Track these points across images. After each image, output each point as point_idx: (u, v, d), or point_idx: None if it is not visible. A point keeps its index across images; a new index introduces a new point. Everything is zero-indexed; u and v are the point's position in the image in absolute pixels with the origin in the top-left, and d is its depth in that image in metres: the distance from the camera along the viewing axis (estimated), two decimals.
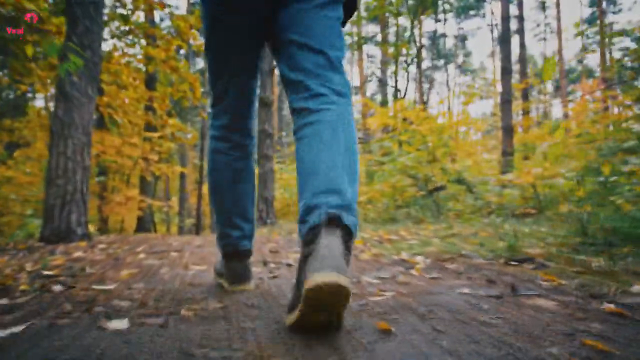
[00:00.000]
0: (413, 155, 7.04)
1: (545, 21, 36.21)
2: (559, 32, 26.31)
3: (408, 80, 13.35)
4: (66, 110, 4.08)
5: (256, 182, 1.51)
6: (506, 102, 12.11)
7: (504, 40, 12.42)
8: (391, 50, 16.39)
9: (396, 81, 15.16)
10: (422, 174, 6.57)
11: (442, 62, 34.66)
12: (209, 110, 1.46)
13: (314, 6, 1.15)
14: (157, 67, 10.06)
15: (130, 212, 12.89)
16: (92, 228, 4.93)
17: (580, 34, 24.83)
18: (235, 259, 1.44)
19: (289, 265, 2.06)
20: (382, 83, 16.18)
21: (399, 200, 7.65)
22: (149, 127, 12.23)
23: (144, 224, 12.88)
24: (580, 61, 35.21)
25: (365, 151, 15.22)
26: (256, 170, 1.50)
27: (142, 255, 2.54)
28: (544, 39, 36.60)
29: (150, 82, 11.38)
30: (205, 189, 12.85)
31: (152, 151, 11.51)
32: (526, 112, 16.14)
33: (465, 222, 5.95)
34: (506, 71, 12.42)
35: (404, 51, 14.79)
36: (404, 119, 8.30)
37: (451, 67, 35.68)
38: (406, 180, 6.60)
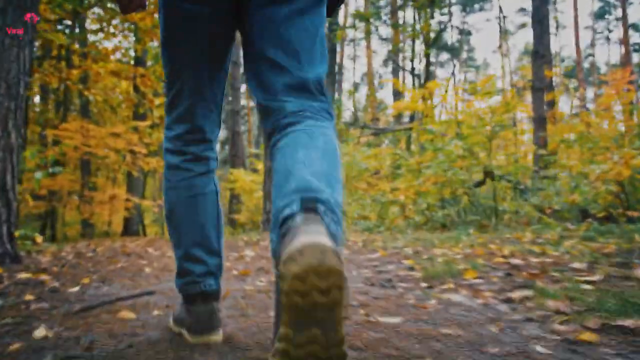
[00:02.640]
0: (461, 143, 5.57)
1: (550, 17, 34.75)
2: (576, 24, 24.91)
3: (428, 65, 11.88)
4: None
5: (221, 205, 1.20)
6: (538, 89, 10.74)
7: (537, 19, 11.02)
8: (398, 41, 14.94)
9: (413, 68, 13.70)
10: (482, 166, 5.14)
11: (446, 57, 33.25)
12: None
13: (292, 12, 0.95)
14: (145, 46, 8.59)
15: (115, 213, 11.39)
16: (39, 239, 3.46)
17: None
18: (198, 301, 1.11)
19: None
20: (398, 67, 14.70)
21: (433, 200, 6.19)
22: (136, 116, 10.76)
23: (131, 226, 11.34)
24: (591, 55, 33.90)
25: (375, 145, 13.73)
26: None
27: (38, 333, 1.07)
28: (555, 34, 35.15)
29: (138, 65, 9.89)
30: None
31: (140, 143, 10.00)
32: (553, 103, 14.82)
33: (548, 227, 4.49)
34: (538, 55, 11.00)
35: (412, 44, 13.34)
36: (441, 104, 6.84)
37: (455, 62, 34.21)
38: (460, 174, 5.13)
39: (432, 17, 13.25)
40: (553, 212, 5.69)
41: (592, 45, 33.27)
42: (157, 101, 6.86)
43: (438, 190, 5.37)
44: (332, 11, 1.12)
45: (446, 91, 7.51)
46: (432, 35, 12.65)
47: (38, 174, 3.84)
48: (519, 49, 40.21)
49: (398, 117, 16.19)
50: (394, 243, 3.60)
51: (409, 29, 13.12)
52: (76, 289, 1.74)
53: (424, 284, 1.87)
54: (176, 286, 1.15)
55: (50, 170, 3.87)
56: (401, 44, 17.68)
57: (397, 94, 16.16)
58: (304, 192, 0.76)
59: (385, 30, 24.44)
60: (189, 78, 1.08)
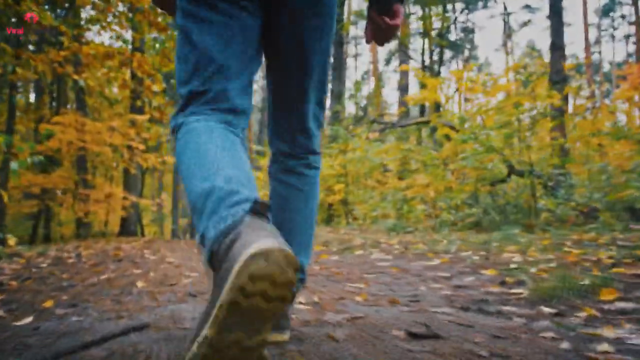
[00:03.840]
0: (494, 133, 4.99)
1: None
2: (585, 20, 24.35)
3: (442, 54, 11.31)
4: None
5: None
6: (556, 82, 10.25)
7: (554, 12, 10.57)
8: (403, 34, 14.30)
9: (423, 60, 13.12)
10: (516, 160, 4.55)
11: (448, 55, 32.73)
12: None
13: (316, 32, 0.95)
14: (143, 35, 7.98)
15: (112, 212, 10.79)
16: (11, 241, 2.87)
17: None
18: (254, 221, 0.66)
19: None
20: (406, 57, 14.10)
21: (464, 197, 5.59)
22: (134, 109, 10.19)
23: (128, 226, 10.73)
24: (597, 52, 33.36)
25: (384, 140, 13.10)
26: None
27: None
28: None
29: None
30: None
31: (138, 137, 9.42)
32: (566, 98, 14.29)
33: (604, 227, 3.90)
34: (555, 47, 10.51)
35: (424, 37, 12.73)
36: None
37: (457, 61, 33.73)
38: (499, 167, 4.54)
39: (445, 11, 12.68)
40: (592, 210, 5.12)
41: (598, 42, 32.75)
42: (155, 87, 6.25)
43: (472, 185, 4.76)
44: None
45: (472, 80, 6.94)
46: (443, 29, 12.09)
47: (14, 164, 3.25)
48: (521, 47, 39.67)
49: (405, 113, 15.59)
50: (437, 246, 3.01)
51: (419, 20, 12.54)
52: (28, 319, 1.14)
53: (545, 309, 1.27)
54: (201, 237, 0.70)
55: (29, 160, 3.29)
56: (406, 41, 17.07)
57: (404, 90, 15.57)
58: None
59: None
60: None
